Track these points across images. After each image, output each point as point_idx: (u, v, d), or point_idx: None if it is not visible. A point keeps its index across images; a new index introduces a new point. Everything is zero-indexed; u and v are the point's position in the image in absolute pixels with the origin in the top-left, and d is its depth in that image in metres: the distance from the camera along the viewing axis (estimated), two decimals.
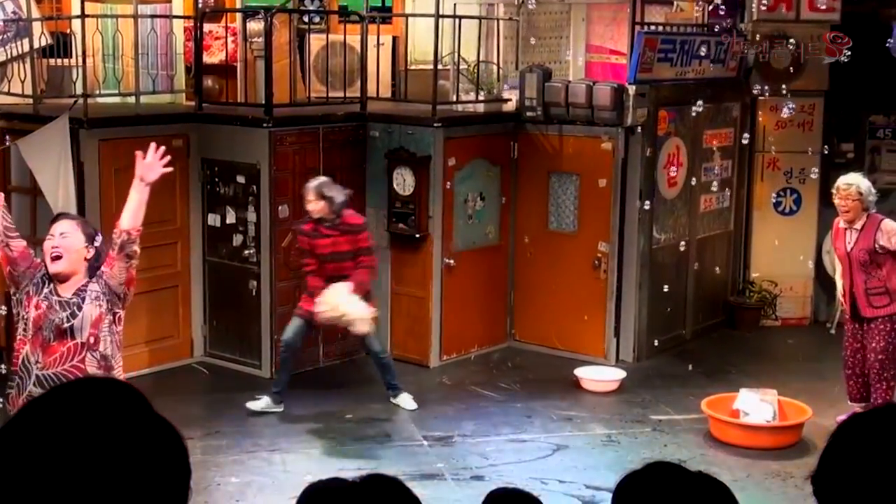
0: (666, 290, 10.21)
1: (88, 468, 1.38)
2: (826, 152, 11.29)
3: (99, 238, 5.52)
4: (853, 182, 8.10)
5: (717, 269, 11.11)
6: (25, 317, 5.41)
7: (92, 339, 5.34)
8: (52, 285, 5.40)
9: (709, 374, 9.77)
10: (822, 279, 11.60)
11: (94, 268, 5.41)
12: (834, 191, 8.21)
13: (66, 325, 5.32)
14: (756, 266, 11.54)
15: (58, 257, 5.33)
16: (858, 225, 8.05)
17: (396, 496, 2.03)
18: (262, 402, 8.72)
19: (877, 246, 7.95)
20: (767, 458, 7.90)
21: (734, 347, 10.69)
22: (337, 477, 2.04)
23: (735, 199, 11.37)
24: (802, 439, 8.20)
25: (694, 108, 9.66)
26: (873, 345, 8.04)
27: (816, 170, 10.96)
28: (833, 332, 10.51)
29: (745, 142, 10.80)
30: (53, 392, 1.49)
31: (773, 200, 11.54)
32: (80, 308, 5.33)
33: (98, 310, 5.35)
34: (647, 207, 9.89)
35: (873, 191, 8.16)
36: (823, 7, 10.57)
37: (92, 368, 5.36)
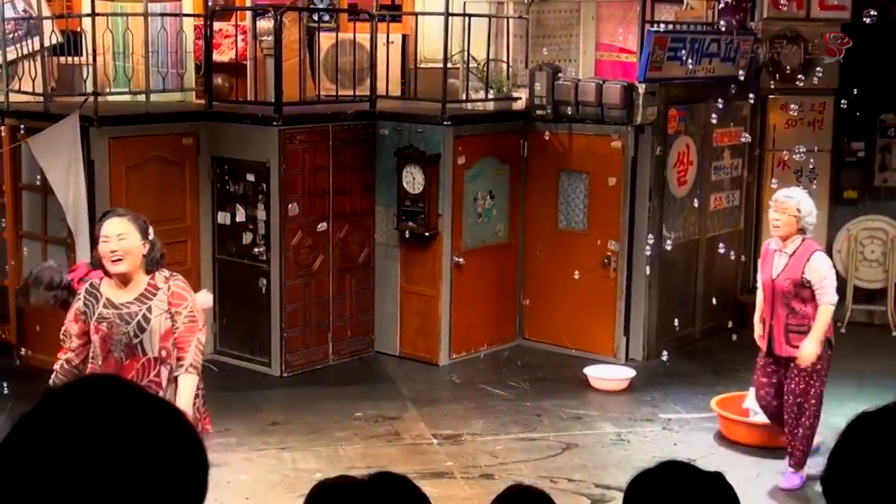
0: (675, 288, 10.20)
1: (107, 463, 1.39)
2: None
3: (151, 230, 5.48)
4: (794, 196, 7.21)
5: (727, 267, 11.09)
6: (92, 340, 5.40)
7: (164, 353, 5.35)
8: (103, 298, 5.37)
9: (718, 372, 9.76)
10: None
11: (151, 262, 5.41)
12: (772, 202, 7.27)
13: (135, 340, 5.32)
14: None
15: (118, 260, 5.31)
16: (790, 248, 7.14)
17: (405, 494, 2.03)
18: None
19: (804, 279, 7.08)
20: (777, 458, 7.88)
21: (744, 346, 10.62)
22: (346, 475, 2.04)
23: (745, 197, 11.35)
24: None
25: (713, 113, 9.69)
26: (792, 386, 7.21)
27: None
28: (843, 330, 10.50)
29: (744, 139, 10.79)
30: (64, 391, 1.49)
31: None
32: (147, 321, 5.31)
33: (168, 324, 5.33)
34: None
35: (815, 213, 7.24)
36: (835, 4, 10.56)
37: (165, 381, 5.37)
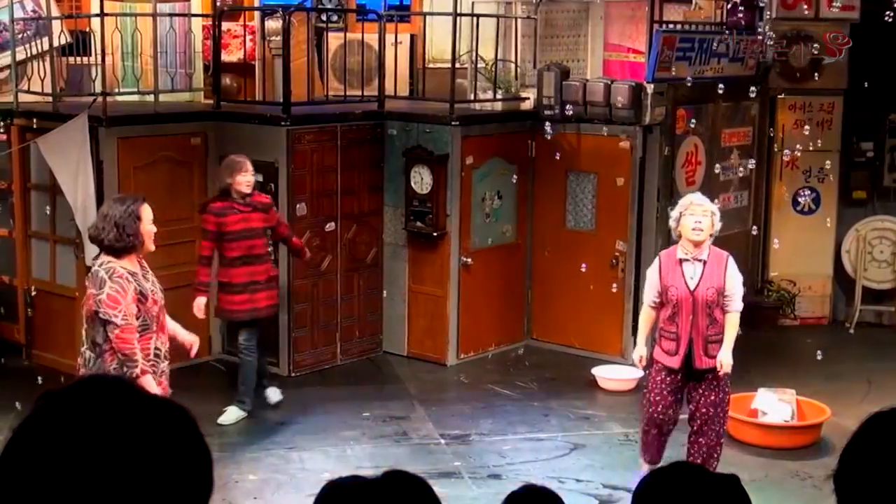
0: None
1: (111, 463, 1.38)
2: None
3: None
4: (705, 201, 6.92)
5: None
6: (146, 314, 5.87)
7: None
8: (137, 275, 5.89)
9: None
10: (841, 279, 11.57)
11: None
12: (691, 206, 6.81)
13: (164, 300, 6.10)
14: (774, 265, 11.50)
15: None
16: (704, 256, 6.81)
17: (417, 493, 2.03)
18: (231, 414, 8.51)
19: (726, 283, 6.82)
20: (786, 458, 7.87)
21: (752, 347, 10.61)
22: (356, 475, 2.04)
23: (753, 197, 11.34)
24: (821, 439, 8.17)
25: (721, 114, 9.64)
26: (712, 398, 6.90)
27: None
28: (852, 331, 10.49)
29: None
30: (67, 391, 1.48)
31: (792, 199, 11.51)
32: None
33: None
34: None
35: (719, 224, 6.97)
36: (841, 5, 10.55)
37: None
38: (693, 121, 10.24)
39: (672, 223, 6.96)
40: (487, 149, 10.11)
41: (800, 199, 11.51)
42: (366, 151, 10.08)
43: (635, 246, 10.08)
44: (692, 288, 6.79)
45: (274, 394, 8.72)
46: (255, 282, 8.30)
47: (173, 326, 6.36)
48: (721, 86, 9.66)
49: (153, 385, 5.72)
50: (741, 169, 11.04)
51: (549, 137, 10.04)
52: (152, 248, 5.95)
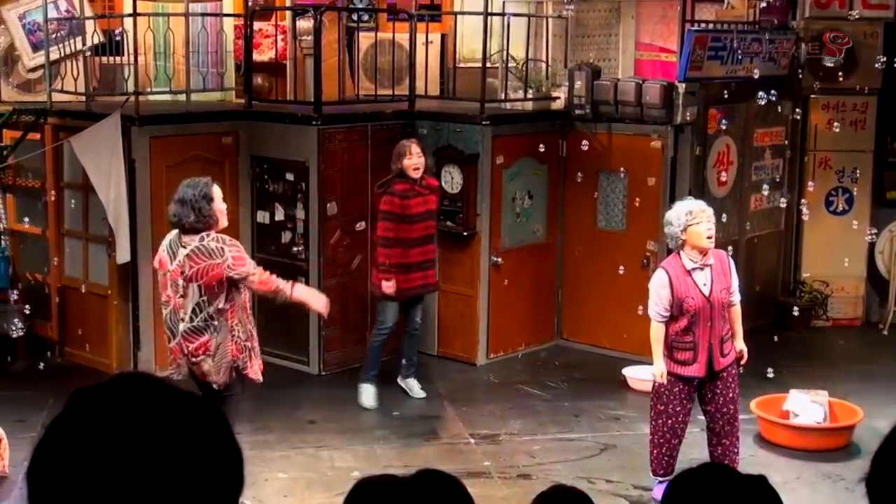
0: None
1: (143, 459, 1.39)
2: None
3: None
4: (706, 205, 6.90)
5: (767, 268, 11.01)
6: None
7: None
8: None
9: (758, 374, 9.67)
10: (875, 280, 11.47)
11: None
12: (699, 213, 6.72)
13: None
14: (807, 266, 11.42)
15: None
16: (711, 260, 6.82)
17: (449, 493, 2.02)
18: (368, 394, 8.88)
19: (732, 285, 6.92)
20: (817, 460, 7.82)
21: (784, 348, 10.57)
22: (387, 473, 2.03)
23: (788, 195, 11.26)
24: (853, 441, 8.10)
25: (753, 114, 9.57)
26: (731, 394, 6.96)
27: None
28: (885, 332, 10.40)
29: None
30: (98, 389, 1.49)
31: (825, 200, 11.43)
32: None
33: None
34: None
35: None
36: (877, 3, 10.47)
37: None
38: (725, 120, 10.19)
39: (676, 232, 6.76)
40: (518, 148, 10.10)
41: (832, 200, 11.43)
42: None
43: (666, 246, 10.02)
44: (707, 294, 6.76)
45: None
46: (428, 260, 8.81)
47: None
48: (761, 94, 9.62)
49: (304, 288, 6.86)
50: (774, 169, 10.99)
51: (585, 143, 9.99)
52: (225, 223, 6.49)
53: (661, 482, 7.03)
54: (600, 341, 10.33)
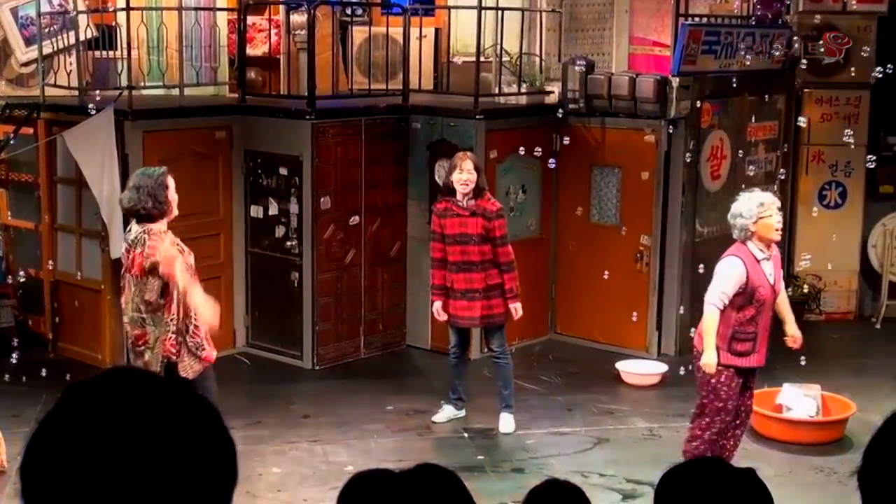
0: (708, 283, 10.12)
1: (135, 454, 1.39)
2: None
3: None
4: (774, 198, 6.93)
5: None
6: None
7: None
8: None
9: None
10: (868, 274, 11.49)
11: None
12: (762, 210, 6.74)
13: None
14: (800, 260, 11.44)
15: None
16: (775, 251, 6.91)
17: (448, 487, 2.02)
18: (444, 413, 8.49)
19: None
20: (810, 454, 7.84)
21: (777, 342, 10.55)
22: (382, 468, 2.03)
23: (779, 192, 11.26)
24: (846, 435, 8.13)
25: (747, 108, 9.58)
26: (754, 388, 7.13)
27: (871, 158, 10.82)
28: (878, 326, 10.42)
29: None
30: (94, 381, 1.49)
31: (818, 194, 11.45)
32: None
33: None
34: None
35: None
36: None
37: None
38: (718, 115, 10.20)
39: (746, 224, 6.74)
40: (512, 143, 10.09)
41: (825, 194, 11.44)
42: (390, 145, 10.08)
43: (660, 240, 10.05)
44: (773, 283, 6.82)
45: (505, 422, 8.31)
46: (472, 290, 7.95)
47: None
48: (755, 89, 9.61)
49: (202, 299, 6.30)
50: (768, 163, 11.00)
51: (566, 141, 9.99)
52: (176, 212, 6.48)
53: None
54: (594, 335, 10.34)
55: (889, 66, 9.17)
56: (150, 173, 6.43)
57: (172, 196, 6.41)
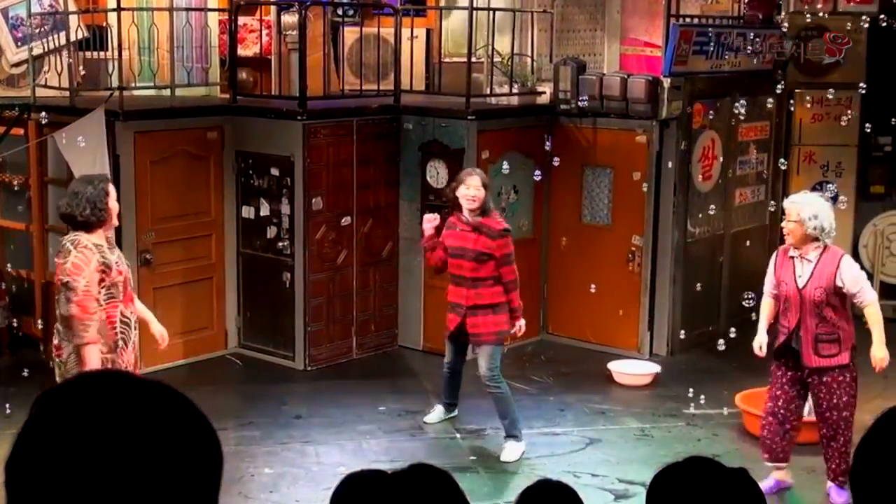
0: (699, 283, 10.15)
1: (118, 455, 1.38)
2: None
3: None
4: (797, 201, 6.90)
5: (752, 262, 11.02)
6: (112, 284, 6.11)
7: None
8: (107, 246, 6.20)
9: (743, 368, 9.70)
10: None
11: None
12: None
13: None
14: None
15: None
16: (812, 256, 6.81)
17: (442, 487, 2.01)
18: (436, 413, 8.48)
19: (839, 282, 6.79)
20: (802, 454, 7.83)
21: (769, 341, 10.60)
22: (375, 468, 2.03)
23: (770, 192, 11.29)
24: None
25: (738, 108, 9.66)
26: (835, 401, 6.89)
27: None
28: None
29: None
30: (76, 382, 1.48)
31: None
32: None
33: None
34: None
35: (826, 223, 6.80)
36: None
37: None
38: (710, 115, 10.21)
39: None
40: (503, 143, 10.10)
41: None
42: (381, 146, 10.08)
43: (651, 240, 10.06)
44: (801, 286, 6.83)
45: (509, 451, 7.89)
46: (458, 304, 7.86)
47: (146, 315, 6.65)
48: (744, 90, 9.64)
49: (96, 357, 5.95)
50: (759, 164, 11.01)
51: (547, 141, 10.00)
52: (116, 223, 6.35)
53: (773, 478, 7.10)
54: (585, 335, 10.35)
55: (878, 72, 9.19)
56: (90, 180, 6.28)
57: (113, 205, 6.18)
